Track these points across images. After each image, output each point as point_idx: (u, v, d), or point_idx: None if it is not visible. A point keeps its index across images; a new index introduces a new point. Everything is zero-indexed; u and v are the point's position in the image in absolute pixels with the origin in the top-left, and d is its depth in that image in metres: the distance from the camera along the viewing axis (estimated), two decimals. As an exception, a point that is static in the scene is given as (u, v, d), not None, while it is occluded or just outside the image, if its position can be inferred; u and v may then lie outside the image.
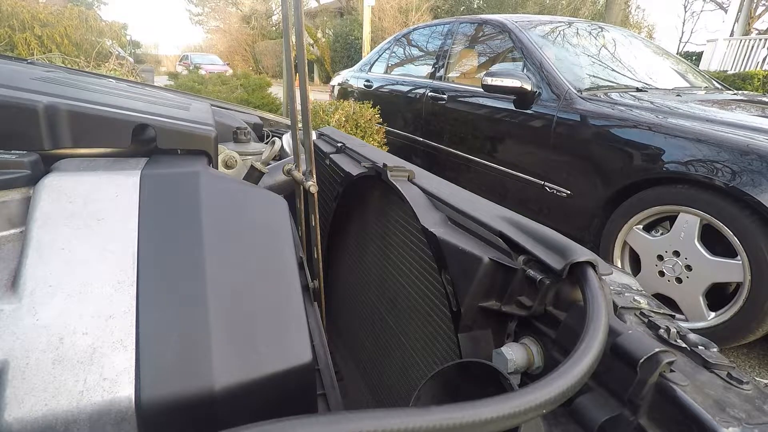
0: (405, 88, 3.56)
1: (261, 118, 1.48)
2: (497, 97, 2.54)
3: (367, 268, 0.89)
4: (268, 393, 0.48)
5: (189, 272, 0.49)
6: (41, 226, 0.47)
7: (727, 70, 8.71)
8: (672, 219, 1.65)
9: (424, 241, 0.62)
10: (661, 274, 1.68)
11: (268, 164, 0.95)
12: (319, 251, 0.81)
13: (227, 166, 0.96)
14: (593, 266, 0.42)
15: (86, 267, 0.46)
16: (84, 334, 0.42)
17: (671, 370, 0.33)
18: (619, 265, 1.91)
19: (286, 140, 1.16)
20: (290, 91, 0.79)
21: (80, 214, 0.50)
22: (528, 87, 2.30)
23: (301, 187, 0.80)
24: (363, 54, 9.46)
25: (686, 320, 1.60)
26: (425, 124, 3.23)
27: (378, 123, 3.59)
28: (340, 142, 1.07)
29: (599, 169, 1.97)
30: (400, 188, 0.67)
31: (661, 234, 1.73)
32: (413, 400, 0.38)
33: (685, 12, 15.07)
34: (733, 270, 1.47)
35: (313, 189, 0.72)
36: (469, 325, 0.50)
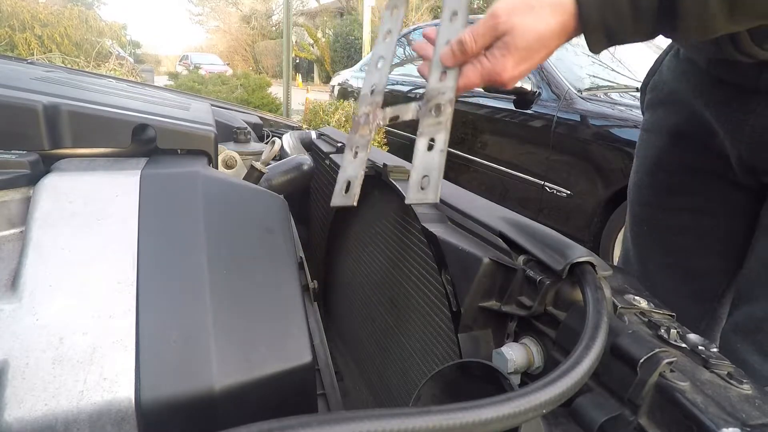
0: (405, 88, 3.56)
1: (261, 118, 1.48)
2: (497, 97, 2.55)
3: (366, 268, 0.89)
4: (268, 393, 0.48)
5: (189, 272, 0.49)
6: (41, 226, 0.47)
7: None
8: (672, 219, 1.65)
9: (424, 241, 0.62)
10: (661, 274, 1.68)
11: (268, 164, 0.95)
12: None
13: (227, 166, 0.96)
14: (593, 266, 0.42)
15: (86, 267, 0.46)
16: (84, 334, 0.42)
17: (671, 370, 0.33)
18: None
19: (286, 140, 1.16)
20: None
21: (80, 214, 0.50)
22: (528, 87, 2.30)
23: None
24: (363, 54, 9.47)
25: (686, 320, 1.60)
26: (425, 124, 3.23)
27: (378, 123, 3.59)
28: (340, 142, 1.07)
29: (599, 169, 1.97)
30: (400, 188, 0.67)
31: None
32: (413, 400, 0.38)
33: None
34: (733, 270, 1.47)
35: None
36: (469, 325, 0.50)
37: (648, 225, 0.80)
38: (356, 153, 0.52)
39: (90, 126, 0.58)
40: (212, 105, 1.23)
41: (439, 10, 15.47)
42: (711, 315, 0.76)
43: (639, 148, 0.81)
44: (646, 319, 0.41)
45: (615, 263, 1.92)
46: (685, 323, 0.75)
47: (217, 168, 0.71)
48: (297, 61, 18.40)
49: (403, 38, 4.00)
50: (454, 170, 2.91)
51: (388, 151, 2.41)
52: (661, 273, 0.78)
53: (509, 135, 2.50)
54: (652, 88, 0.78)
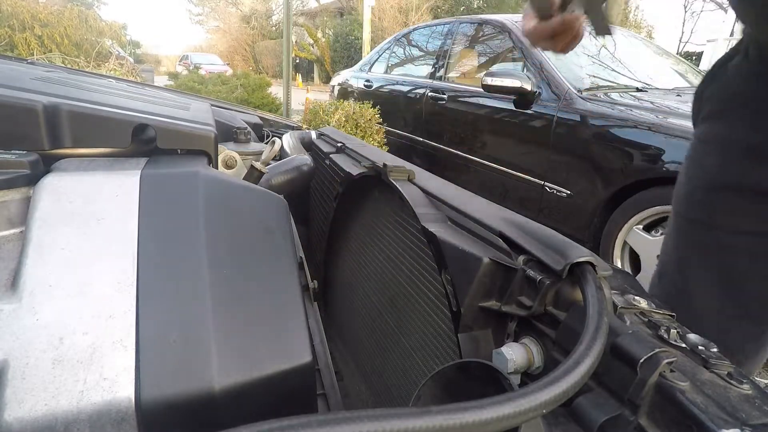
0: (405, 88, 3.56)
1: (261, 118, 1.48)
2: (497, 97, 2.54)
3: (367, 268, 0.89)
4: (268, 393, 0.48)
5: (189, 272, 0.49)
6: (41, 226, 0.47)
7: (727, 70, 8.69)
8: (672, 219, 1.65)
9: (424, 241, 0.62)
10: (661, 274, 1.67)
11: (268, 164, 0.95)
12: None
13: (227, 166, 0.96)
14: (593, 266, 0.42)
15: (86, 267, 0.46)
16: (84, 334, 0.42)
17: (671, 370, 0.33)
18: (619, 265, 1.91)
19: (286, 140, 1.16)
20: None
21: (80, 214, 0.50)
22: (528, 87, 2.30)
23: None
24: (363, 54, 9.46)
25: (686, 320, 1.59)
26: (425, 124, 3.23)
27: (378, 123, 3.59)
28: (340, 142, 1.07)
29: (599, 169, 1.97)
30: (400, 188, 0.67)
31: (661, 234, 1.73)
32: (413, 400, 0.38)
33: (685, 12, 14.97)
34: (733, 270, 1.46)
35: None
36: (469, 325, 0.50)
37: (696, 241, 0.75)
38: None
39: (90, 126, 0.58)
40: (212, 105, 1.23)
41: (439, 9, 15.42)
42: (758, 338, 0.72)
43: (692, 160, 0.75)
44: (646, 319, 0.41)
45: (614, 263, 1.92)
46: (730, 342, 0.71)
47: (217, 168, 0.71)
48: (297, 61, 18.39)
49: (403, 38, 4.00)
50: (454, 170, 2.91)
51: (388, 151, 2.41)
52: (706, 291, 0.74)
53: (509, 135, 2.50)
54: (710, 97, 0.71)
